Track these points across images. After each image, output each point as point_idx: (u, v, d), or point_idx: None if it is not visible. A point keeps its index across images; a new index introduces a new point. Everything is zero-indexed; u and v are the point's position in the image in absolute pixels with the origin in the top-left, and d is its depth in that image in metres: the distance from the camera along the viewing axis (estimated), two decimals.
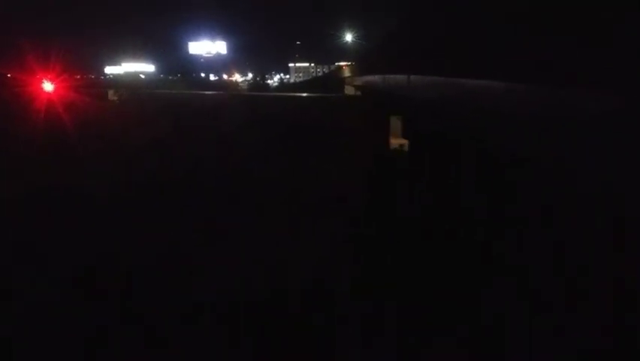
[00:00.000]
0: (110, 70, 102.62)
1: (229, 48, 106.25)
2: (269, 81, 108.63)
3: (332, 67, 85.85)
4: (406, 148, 13.30)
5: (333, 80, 52.42)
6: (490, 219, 6.33)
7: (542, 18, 5.54)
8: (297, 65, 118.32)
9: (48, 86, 47.68)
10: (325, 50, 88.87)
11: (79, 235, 6.64)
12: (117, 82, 76.23)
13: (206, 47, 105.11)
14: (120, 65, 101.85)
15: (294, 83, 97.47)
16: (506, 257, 5.28)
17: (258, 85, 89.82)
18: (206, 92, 55.51)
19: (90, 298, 4.75)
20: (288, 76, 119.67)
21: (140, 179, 10.40)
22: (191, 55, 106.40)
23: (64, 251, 6.02)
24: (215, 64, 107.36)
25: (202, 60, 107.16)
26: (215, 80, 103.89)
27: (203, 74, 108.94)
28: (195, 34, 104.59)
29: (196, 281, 5.09)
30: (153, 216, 7.61)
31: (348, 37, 46.21)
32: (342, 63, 64.66)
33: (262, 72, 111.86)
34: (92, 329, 4.15)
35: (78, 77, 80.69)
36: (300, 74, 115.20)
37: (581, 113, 4.46)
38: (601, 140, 4.16)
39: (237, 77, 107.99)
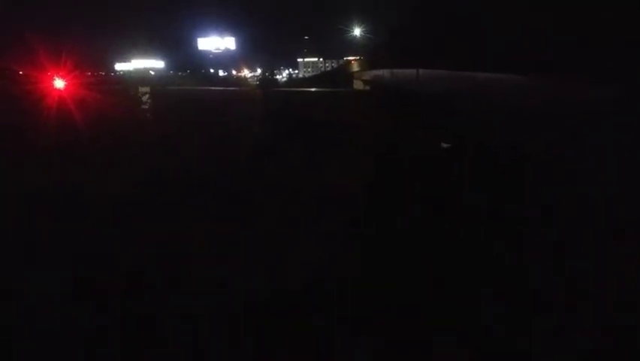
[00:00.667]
0: (119, 66, 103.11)
1: (238, 44, 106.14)
2: (278, 76, 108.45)
3: (340, 61, 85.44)
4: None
5: (342, 74, 52.26)
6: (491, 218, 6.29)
7: (546, 14, 5.48)
8: (306, 60, 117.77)
9: (59, 83, 48.07)
10: (334, 44, 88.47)
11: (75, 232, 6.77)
12: (127, 78, 76.63)
13: (214, 42, 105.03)
14: (130, 61, 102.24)
15: (303, 78, 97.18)
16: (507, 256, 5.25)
17: (267, 80, 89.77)
18: (218, 88, 55.71)
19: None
20: (297, 71, 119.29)
21: (145, 177, 10.48)
22: (200, 51, 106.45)
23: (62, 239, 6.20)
24: (224, 60, 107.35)
25: (211, 56, 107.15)
26: (224, 76, 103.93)
27: (212, 70, 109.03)
28: (204, 30, 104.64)
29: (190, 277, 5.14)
30: (162, 214, 7.68)
31: (357, 31, 46.01)
32: (350, 58, 64.38)
33: (271, 67, 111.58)
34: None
35: (89, 73, 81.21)
36: (309, 69, 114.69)
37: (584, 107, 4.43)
38: (599, 135, 4.12)
39: (246, 73, 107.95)
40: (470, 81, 11.67)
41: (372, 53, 37.73)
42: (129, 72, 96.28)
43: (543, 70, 5.46)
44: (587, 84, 4.32)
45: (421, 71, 18.94)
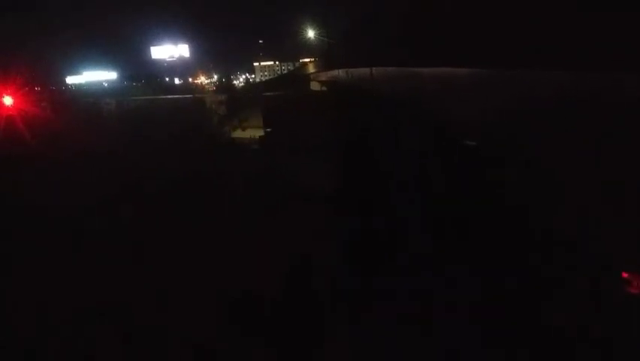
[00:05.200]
0: (71, 80, 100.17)
1: (192, 51, 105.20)
2: (235, 82, 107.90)
3: (297, 64, 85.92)
4: None
5: (299, 76, 52.74)
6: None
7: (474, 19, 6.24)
8: (262, 63, 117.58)
9: (7, 100, 46.51)
10: (289, 47, 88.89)
11: None
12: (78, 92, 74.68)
13: (168, 51, 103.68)
14: (81, 74, 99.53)
15: (260, 82, 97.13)
16: None
17: (224, 86, 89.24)
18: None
19: None
20: (253, 75, 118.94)
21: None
22: (154, 60, 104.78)
23: None
24: (179, 67, 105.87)
25: (165, 64, 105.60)
26: (180, 84, 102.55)
27: (167, 79, 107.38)
28: (157, 39, 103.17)
29: None
30: None
31: (311, 33, 46.59)
32: (306, 60, 64.96)
33: (227, 73, 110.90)
34: None
35: (38, 88, 78.38)
36: (266, 73, 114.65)
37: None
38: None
39: (203, 80, 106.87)
40: (421, 76, 12.47)
41: (327, 54, 38.41)
42: (81, 85, 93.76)
43: (475, 64, 6.23)
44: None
45: (374, 69, 19.73)
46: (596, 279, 4.48)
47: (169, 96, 54.47)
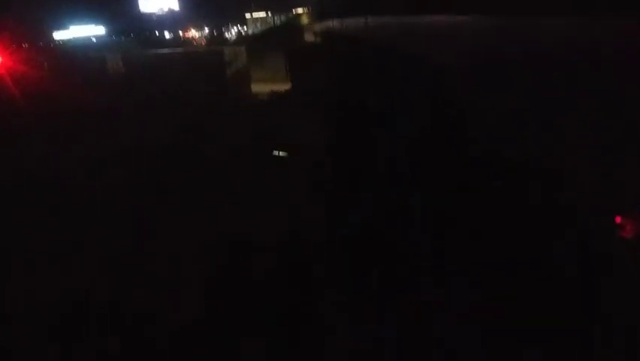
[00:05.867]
0: (58, 35, 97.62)
1: (181, 4, 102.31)
2: (226, 35, 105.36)
3: (290, 15, 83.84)
4: None
5: (292, 28, 51.73)
6: None
7: None
8: (255, 15, 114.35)
9: None
10: None
11: None
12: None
13: (157, 3, 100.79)
14: (68, 29, 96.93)
15: (253, 35, 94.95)
16: None
17: (216, 39, 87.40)
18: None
19: None
20: (245, 27, 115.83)
21: None
22: (143, 13, 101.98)
23: None
24: (169, 21, 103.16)
25: (154, 18, 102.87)
26: (170, 38, 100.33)
27: (157, 33, 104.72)
28: None
29: None
30: None
31: None
32: (299, 10, 63.47)
33: (219, 26, 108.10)
34: None
35: (25, 45, 76.69)
36: (258, 25, 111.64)
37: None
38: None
39: (194, 33, 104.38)
40: (416, 25, 12.23)
41: (321, 4, 37.54)
42: (69, 41, 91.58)
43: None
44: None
45: (369, 19, 19.32)
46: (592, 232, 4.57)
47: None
